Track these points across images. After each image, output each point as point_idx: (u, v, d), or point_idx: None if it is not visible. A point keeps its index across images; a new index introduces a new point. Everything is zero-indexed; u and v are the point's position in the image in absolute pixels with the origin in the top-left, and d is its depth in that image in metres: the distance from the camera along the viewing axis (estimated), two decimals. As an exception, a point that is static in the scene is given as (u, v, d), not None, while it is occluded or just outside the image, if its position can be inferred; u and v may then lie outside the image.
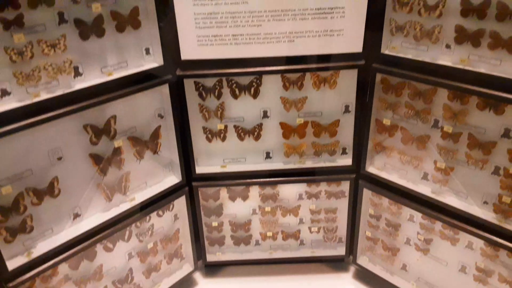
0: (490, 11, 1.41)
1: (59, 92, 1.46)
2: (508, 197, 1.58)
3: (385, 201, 1.99)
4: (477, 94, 1.50)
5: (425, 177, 1.83)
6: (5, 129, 1.33)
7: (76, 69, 1.52)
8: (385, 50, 1.72)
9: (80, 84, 1.53)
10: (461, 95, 1.57)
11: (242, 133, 1.98)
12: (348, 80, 1.86)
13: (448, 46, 1.56)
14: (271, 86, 1.89)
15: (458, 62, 1.54)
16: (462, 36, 1.50)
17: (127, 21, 1.59)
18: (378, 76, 1.77)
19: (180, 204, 2.03)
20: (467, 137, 1.62)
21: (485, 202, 1.67)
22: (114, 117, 1.66)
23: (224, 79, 1.86)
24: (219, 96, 1.90)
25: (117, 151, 1.71)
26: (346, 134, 1.99)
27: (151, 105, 1.80)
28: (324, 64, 1.79)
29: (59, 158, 1.56)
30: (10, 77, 1.36)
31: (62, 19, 1.43)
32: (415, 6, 1.58)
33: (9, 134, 1.35)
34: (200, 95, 1.89)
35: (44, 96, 1.43)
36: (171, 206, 2.03)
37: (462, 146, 1.65)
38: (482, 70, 1.49)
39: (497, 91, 1.45)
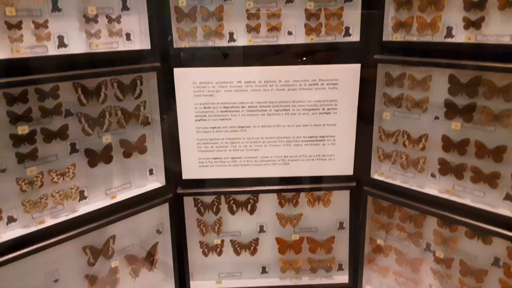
0: (469, 148, 1.53)
1: (63, 217, 1.53)
2: (506, 329, 1.55)
3: (384, 322, 1.95)
4: (463, 224, 1.56)
5: (422, 300, 1.82)
6: (8, 257, 1.37)
7: (81, 193, 1.60)
8: (374, 175, 1.82)
9: (84, 207, 1.60)
10: (450, 222, 1.63)
11: (238, 247, 2.00)
12: (341, 198, 1.94)
13: (433, 175, 1.66)
14: (267, 203, 1.96)
15: (444, 191, 1.63)
16: (446, 169, 1.61)
17: (134, 148, 1.71)
18: (369, 198, 1.84)
19: (173, 322, 1.98)
20: (459, 263, 1.65)
21: (484, 331, 1.64)
22: (114, 237, 1.70)
23: (222, 196, 1.93)
24: (217, 212, 1.96)
25: (113, 270, 1.72)
26: (342, 250, 2.01)
27: (151, 222, 1.85)
28: (317, 185, 1.89)
29: (55, 281, 1.57)
30: (18, 205, 1.43)
31: (73, 149, 1.55)
32: (399, 138, 1.71)
33: (12, 262, 1.38)
34: (199, 210, 1.95)
35: (48, 221, 1.49)
36: (164, 324, 1.97)
37: (455, 272, 1.67)
38: (468, 201, 1.57)
39: (482, 223, 1.51)
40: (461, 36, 1.48)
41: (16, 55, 1.33)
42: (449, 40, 1.51)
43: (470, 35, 1.45)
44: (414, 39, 1.59)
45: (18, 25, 1.33)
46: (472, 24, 1.44)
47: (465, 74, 1.48)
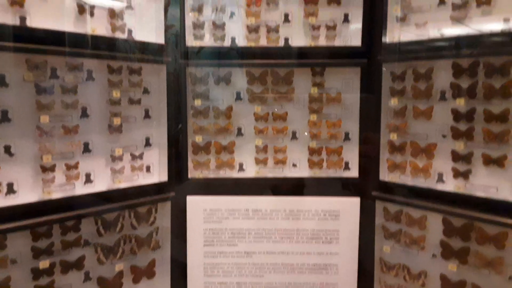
0: (466, 290, 1.59)
1: None
2: None
3: None
4: None
5: None
6: None
7: (89, 321, 1.64)
8: (377, 304, 1.85)
9: (90, 336, 1.63)
10: None
11: None
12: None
13: (435, 313, 1.69)
14: (271, 328, 1.96)
15: (446, 331, 1.65)
16: (446, 309, 1.64)
17: (144, 273, 1.78)
18: (373, 330, 1.85)
19: None
20: None
21: None
22: None
23: (226, 320, 1.95)
24: (220, 336, 1.96)
25: None
26: None
27: None
28: (322, 313, 1.91)
29: None
30: (29, 337, 1.47)
31: (87, 277, 1.62)
32: (400, 272, 1.77)
33: None
34: (202, 334, 1.95)
35: None
36: None
37: None
38: None
39: None
40: (451, 184, 1.62)
41: (47, 197, 1.47)
42: (440, 185, 1.65)
43: (460, 184, 1.59)
44: (409, 180, 1.73)
45: (52, 168, 1.50)
46: (460, 174, 1.59)
47: (458, 219, 1.59)
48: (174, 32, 1.80)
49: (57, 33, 1.45)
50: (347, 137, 1.90)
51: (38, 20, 1.42)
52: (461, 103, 1.57)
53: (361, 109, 1.86)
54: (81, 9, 1.51)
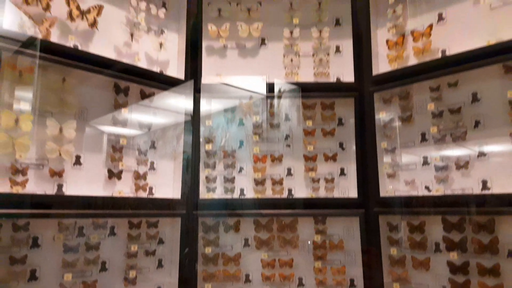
0: None
1: None
2: None
3: None
4: None
5: None
6: None
7: None
8: None
9: None
10: None
11: None
12: None
13: None
14: None
15: None
16: None
17: None
18: None
19: None
20: None
21: None
22: None
23: None
24: None
25: None
26: None
27: None
28: None
29: None
30: None
31: None
32: None
33: None
34: None
35: None
36: None
37: None
38: None
39: None
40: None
41: None
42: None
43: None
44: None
45: (70, 312, 1.56)
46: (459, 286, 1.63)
47: None
48: (186, 157, 1.99)
49: (88, 198, 1.65)
50: (352, 284, 1.96)
51: (72, 187, 1.64)
52: (455, 256, 1.68)
53: (363, 257, 1.95)
54: (110, 174, 1.75)
